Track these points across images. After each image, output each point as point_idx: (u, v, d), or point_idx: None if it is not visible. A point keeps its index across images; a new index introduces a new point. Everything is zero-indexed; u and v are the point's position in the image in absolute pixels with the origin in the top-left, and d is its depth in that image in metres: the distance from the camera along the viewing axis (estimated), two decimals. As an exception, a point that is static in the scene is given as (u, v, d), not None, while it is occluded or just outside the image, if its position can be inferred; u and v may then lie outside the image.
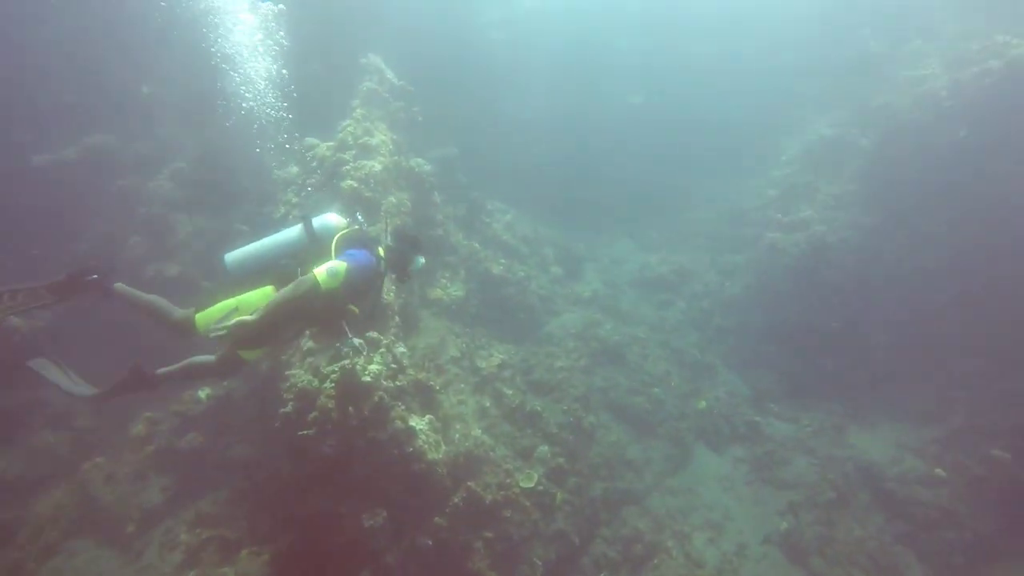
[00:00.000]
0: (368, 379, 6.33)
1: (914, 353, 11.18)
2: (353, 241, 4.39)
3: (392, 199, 8.64)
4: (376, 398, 6.31)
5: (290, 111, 9.67)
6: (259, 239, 4.47)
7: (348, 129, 8.74)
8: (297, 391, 6.36)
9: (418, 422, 6.93)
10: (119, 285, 4.44)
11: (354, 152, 8.40)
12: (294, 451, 6.34)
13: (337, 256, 4.19)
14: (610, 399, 9.98)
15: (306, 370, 6.62)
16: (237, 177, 11.55)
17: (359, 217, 4.70)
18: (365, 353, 6.75)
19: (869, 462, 10.19)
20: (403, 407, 6.76)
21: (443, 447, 7.15)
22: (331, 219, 4.55)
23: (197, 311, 4.23)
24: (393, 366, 6.85)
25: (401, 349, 7.26)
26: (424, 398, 7.61)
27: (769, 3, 16.46)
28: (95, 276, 4.33)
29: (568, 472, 8.40)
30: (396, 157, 9.11)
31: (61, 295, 4.27)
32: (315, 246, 4.38)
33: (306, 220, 4.45)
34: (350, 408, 6.20)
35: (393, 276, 4.72)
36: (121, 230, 10.55)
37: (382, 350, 6.85)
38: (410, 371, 7.40)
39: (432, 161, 12.11)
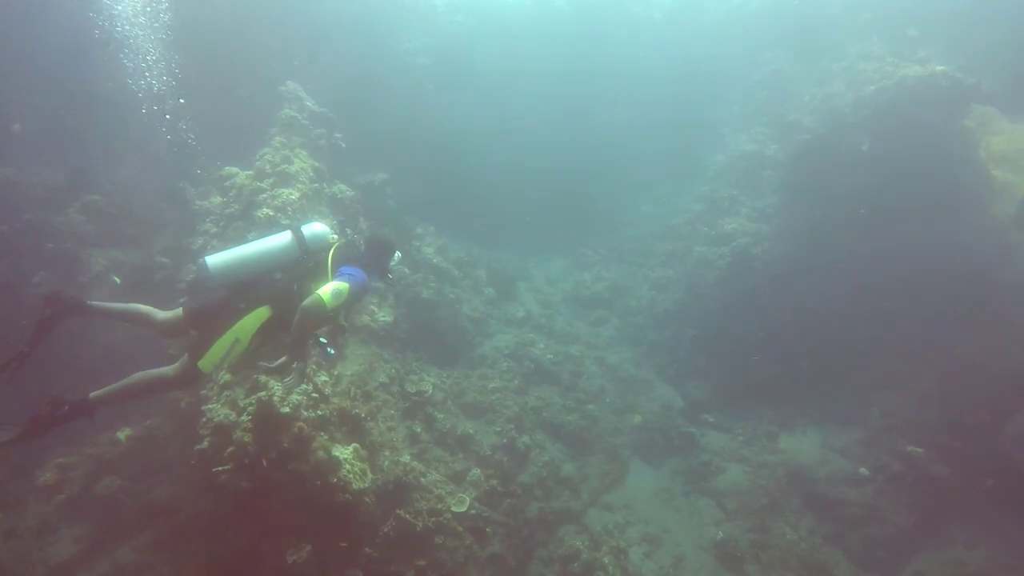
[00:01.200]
0: (287, 410, 6.31)
1: (836, 357, 11.77)
2: (347, 258, 4.49)
3: (313, 226, 8.66)
4: (295, 429, 6.29)
5: (203, 138, 9.79)
6: (241, 244, 4.46)
7: (266, 157, 8.75)
8: (213, 426, 6.28)
9: (342, 451, 6.91)
10: (94, 394, 4.10)
11: (272, 180, 8.41)
12: (212, 489, 6.25)
13: (334, 274, 4.31)
14: (544, 418, 10.15)
15: (223, 404, 6.53)
16: (155, 207, 11.40)
17: (348, 231, 4.76)
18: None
19: (799, 466, 10.63)
20: (326, 437, 6.73)
21: (370, 476, 7.13)
22: (319, 228, 4.56)
23: (194, 359, 4.13)
24: (315, 395, 6.83)
25: (323, 378, 7.25)
26: (350, 426, 7.58)
27: (691, 26, 17.35)
28: (66, 408, 3.99)
29: (502, 494, 8.49)
30: (317, 184, 9.15)
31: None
32: (307, 258, 4.44)
33: (295, 230, 4.46)
34: (269, 441, 6.16)
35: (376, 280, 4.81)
36: (27, 267, 10.19)
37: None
38: (334, 400, 7.38)
39: (360, 187, 12.20)
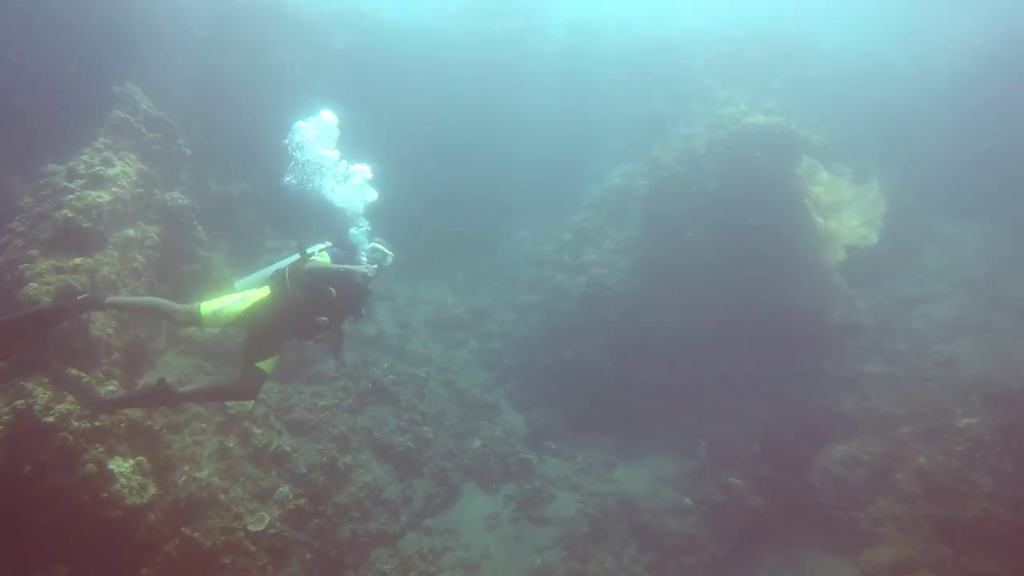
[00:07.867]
0: (51, 419, 6.24)
1: (681, 388, 12.50)
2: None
3: (131, 232, 8.65)
4: (59, 440, 6.22)
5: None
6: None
7: (82, 158, 8.67)
8: (-46, 441, 6.13)
9: (120, 465, 6.87)
10: (110, 298, 5.46)
11: (84, 182, 8.33)
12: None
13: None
14: (374, 439, 10.32)
15: (-23, 415, 6.39)
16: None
17: (352, 232, 6.09)
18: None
19: (630, 496, 11.16)
20: (103, 449, 6.69)
21: (152, 491, 7.10)
22: (321, 245, 5.78)
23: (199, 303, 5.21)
24: (94, 405, 6.77)
25: (111, 387, 7.20)
26: (144, 440, 7.54)
27: (581, 62, 18.24)
28: (85, 293, 5.31)
29: (310, 514, 8.58)
30: (142, 190, 9.11)
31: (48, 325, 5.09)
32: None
33: (301, 247, 5.49)
34: (24, 453, 6.07)
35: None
36: None
37: (80, 389, 6.76)
38: (125, 410, 7.34)
39: (215, 196, 12.22)
